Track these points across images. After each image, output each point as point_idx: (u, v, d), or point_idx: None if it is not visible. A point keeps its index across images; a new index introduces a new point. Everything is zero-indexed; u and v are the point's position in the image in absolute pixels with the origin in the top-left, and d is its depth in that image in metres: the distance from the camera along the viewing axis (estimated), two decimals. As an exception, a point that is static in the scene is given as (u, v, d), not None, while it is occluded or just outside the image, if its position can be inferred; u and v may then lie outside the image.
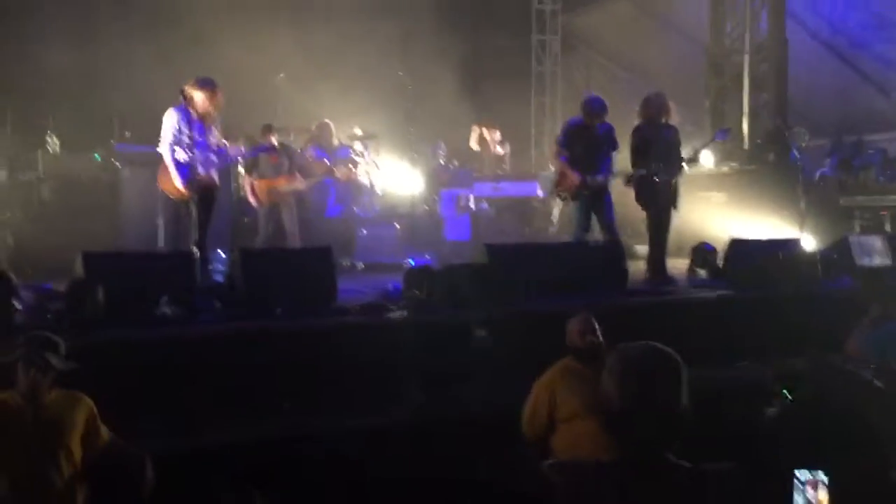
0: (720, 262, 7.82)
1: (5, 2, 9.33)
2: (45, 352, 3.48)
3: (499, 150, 12.19)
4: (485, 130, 12.12)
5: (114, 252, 6.47)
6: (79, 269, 5.29)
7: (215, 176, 7.00)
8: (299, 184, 8.80)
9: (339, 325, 5.49)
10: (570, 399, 4.10)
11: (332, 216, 9.94)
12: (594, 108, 7.65)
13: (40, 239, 7.64)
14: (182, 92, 6.66)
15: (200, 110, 6.74)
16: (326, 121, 10.12)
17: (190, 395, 4.57)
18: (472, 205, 10.90)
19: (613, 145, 7.79)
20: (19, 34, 9.41)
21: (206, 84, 6.76)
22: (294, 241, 8.53)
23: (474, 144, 12.11)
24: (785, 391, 4.78)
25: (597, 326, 4.32)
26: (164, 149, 6.69)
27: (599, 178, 7.53)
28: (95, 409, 3.66)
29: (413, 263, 8.90)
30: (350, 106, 10.72)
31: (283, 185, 8.68)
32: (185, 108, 6.70)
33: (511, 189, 11.43)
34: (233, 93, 7.15)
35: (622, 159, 7.92)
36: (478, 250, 7.08)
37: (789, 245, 7.78)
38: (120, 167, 8.98)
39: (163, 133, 6.72)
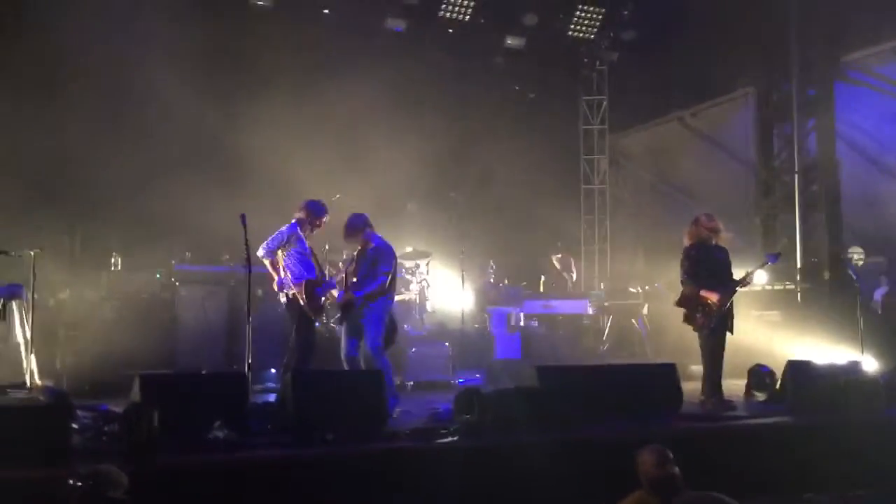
0: (778, 384, 7.63)
1: (78, 128, 9.85)
2: (108, 489, 3.49)
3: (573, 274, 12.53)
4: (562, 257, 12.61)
5: (169, 374, 6.58)
6: (136, 391, 5.37)
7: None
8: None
9: (390, 450, 5.44)
10: None
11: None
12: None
13: (101, 357, 7.79)
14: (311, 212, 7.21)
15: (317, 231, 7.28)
16: None
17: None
18: (522, 323, 10.89)
19: None
20: (89, 159, 9.88)
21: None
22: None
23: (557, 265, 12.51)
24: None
25: (671, 457, 4.18)
26: (268, 254, 7.12)
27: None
28: None
29: (463, 382, 8.88)
30: (402, 224, 10.96)
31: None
32: (297, 226, 7.19)
33: (561, 307, 11.43)
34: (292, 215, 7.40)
35: (675, 279, 7.89)
36: (528, 370, 7.02)
37: (851, 369, 7.57)
38: (178, 285, 9.26)
39: (271, 239, 7.15)
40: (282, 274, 7.19)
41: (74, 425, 5.21)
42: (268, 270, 7.34)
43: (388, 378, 6.97)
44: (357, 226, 7.36)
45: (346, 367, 7.18)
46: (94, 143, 9.92)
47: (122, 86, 10.63)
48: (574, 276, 12.73)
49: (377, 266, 7.22)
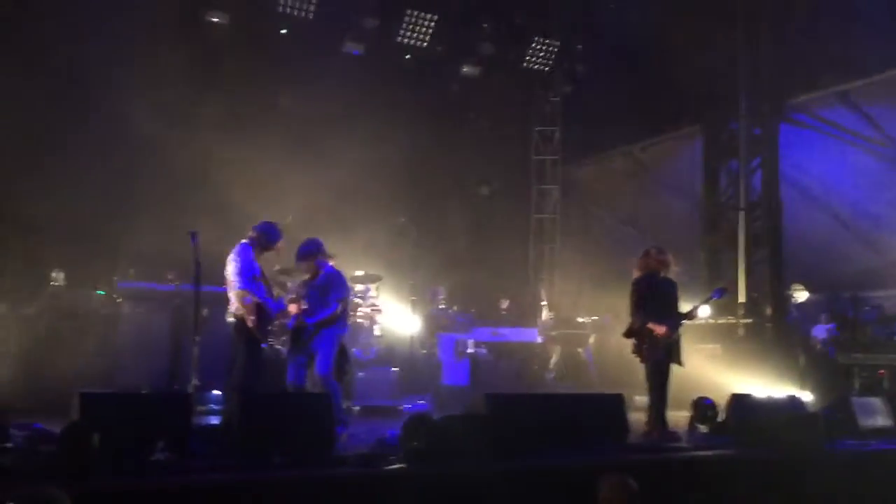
0: (720, 416, 7.74)
1: (15, 141, 9.61)
2: None
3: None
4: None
5: (111, 393, 6.39)
6: (75, 410, 5.20)
7: None
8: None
9: (337, 476, 5.36)
10: None
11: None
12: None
13: (37, 374, 7.56)
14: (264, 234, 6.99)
15: (266, 253, 7.07)
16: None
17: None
18: (470, 349, 10.88)
19: None
20: (31, 171, 9.65)
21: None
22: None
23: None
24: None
25: (633, 483, 4.19)
26: (247, 285, 6.84)
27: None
28: None
29: (410, 408, 8.82)
30: (352, 247, 10.89)
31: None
32: (251, 247, 6.97)
33: (510, 334, 11.46)
34: (240, 234, 7.29)
35: (622, 310, 7.97)
36: (477, 397, 7.01)
37: (792, 403, 7.73)
38: (120, 302, 9.05)
39: (242, 268, 6.88)
40: (273, 298, 7.10)
41: (7, 444, 5.02)
42: (221, 289, 7.22)
43: (337, 403, 6.91)
44: (310, 252, 7.30)
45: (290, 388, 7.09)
46: (36, 156, 9.71)
47: (68, 95, 10.40)
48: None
49: (328, 293, 7.17)
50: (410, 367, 10.28)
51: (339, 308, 7.22)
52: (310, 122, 11.22)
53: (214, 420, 7.22)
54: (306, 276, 7.42)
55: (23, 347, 8.26)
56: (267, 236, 7.16)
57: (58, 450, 4.87)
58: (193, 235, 6.84)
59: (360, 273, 10.71)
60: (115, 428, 5.06)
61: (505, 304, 12.62)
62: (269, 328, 7.31)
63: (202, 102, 10.54)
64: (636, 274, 7.74)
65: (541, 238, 15.12)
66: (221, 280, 7.47)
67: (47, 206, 9.76)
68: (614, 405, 7.17)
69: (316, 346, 7.10)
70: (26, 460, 4.98)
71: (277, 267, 9.00)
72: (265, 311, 7.03)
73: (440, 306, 11.51)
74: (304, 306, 7.17)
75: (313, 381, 7.08)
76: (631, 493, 4.14)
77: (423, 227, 12.24)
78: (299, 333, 7.18)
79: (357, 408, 8.94)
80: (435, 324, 11.17)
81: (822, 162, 11.87)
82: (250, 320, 6.89)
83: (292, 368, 7.18)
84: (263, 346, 7.41)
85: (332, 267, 7.42)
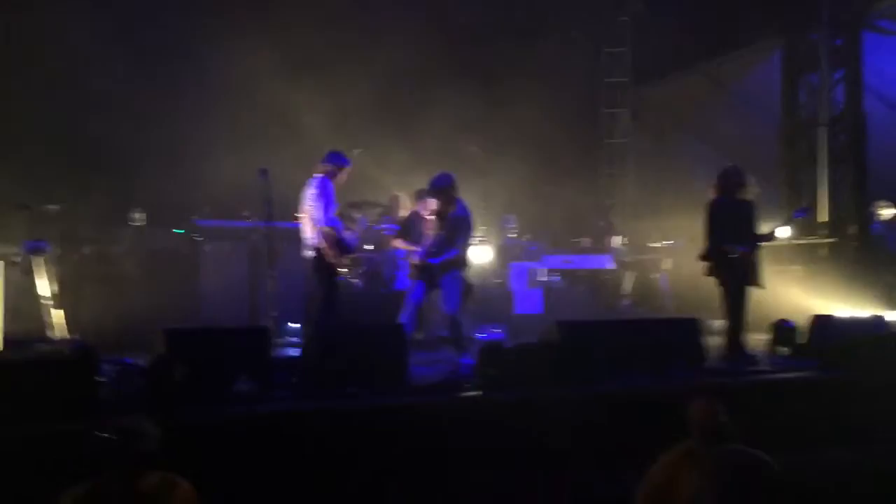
0: (802, 339, 7.58)
1: (86, 83, 9.80)
2: (139, 442, 3.43)
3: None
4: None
5: (193, 328, 6.61)
6: (160, 345, 5.40)
7: None
8: None
9: (412, 404, 5.46)
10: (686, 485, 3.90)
11: (402, 289, 10.00)
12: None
13: (125, 312, 7.85)
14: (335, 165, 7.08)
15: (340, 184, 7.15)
16: (397, 193, 10.23)
17: (265, 474, 4.59)
18: (543, 278, 10.85)
19: None
20: (104, 114, 9.85)
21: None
22: None
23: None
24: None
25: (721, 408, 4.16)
26: (331, 221, 7.00)
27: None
28: (195, 494, 3.52)
29: (484, 338, 8.88)
30: (424, 179, 10.87)
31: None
32: (329, 181, 7.08)
33: (582, 262, 11.36)
34: (311, 169, 7.35)
35: (697, 234, 7.80)
36: (549, 325, 7.01)
37: (877, 323, 7.50)
38: (200, 241, 9.28)
39: (325, 203, 6.99)
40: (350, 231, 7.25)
41: (100, 378, 5.26)
42: (294, 224, 7.35)
43: (463, 337, 7.20)
44: (447, 186, 7.26)
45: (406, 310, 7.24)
46: (113, 99, 9.90)
47: (140, 38, 10.52)
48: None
49: (457, 235, 7.18)
50: (483, 297, 10.31)
51: (464, 252, 7.29)
52: (375, 53, 11.10)
53: (293, 352, 7.41)
54: (432, 211, 7.30)
55: (111, 287, 8.56)
56: (338, 165, 7.20)
57: (145, 383, 5.09)
58: (264, 172, 6.92)
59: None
60: (199, 362, 5.26)
61: (585, 242, 12.47)
62: (347, 262, 7.41)
63: (269, 37, 10.53)
64: (712, 195, 7.53)
65: (612, 163, 14.83)
66: (293, 216, 7.60)
67: (123, 148, 10.01)
68: (689, 329, 7.09)
69: (442, 282, 7.20)
70: (117, 394, 5.22)
71: (347, 202, 9.07)
72: (344, 245, 7.12)
73: (511, 235, 11.46)
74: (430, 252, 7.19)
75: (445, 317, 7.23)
76: (718, 416, 4.05)
77: (491, 156, 12.13)
78: (424, 269, 7.26)
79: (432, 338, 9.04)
80: (506, 253, 11.14)
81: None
82: (331, 254, 6.99)
83: (418, 291, 7.29)
84: (340, 279, 7.54)
85: (464, 207, 7.40)
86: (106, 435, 3.44)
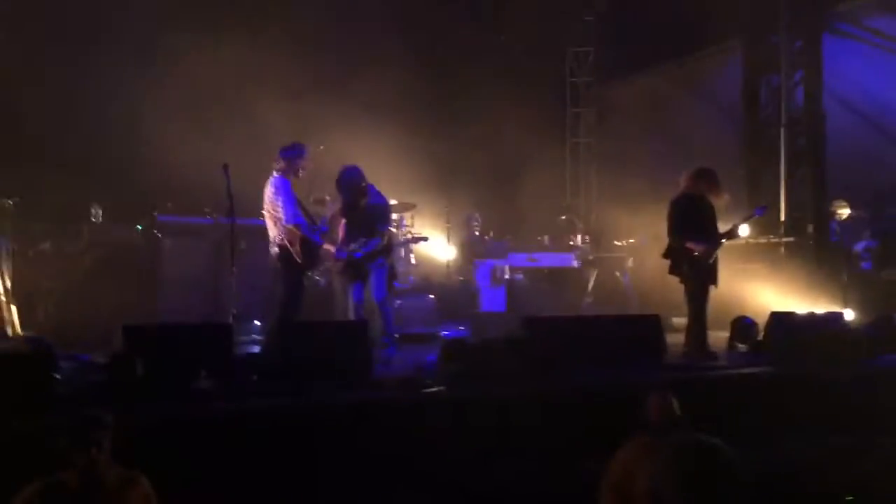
0: (760, 336, 7.69)
1: (51, 79, 9.63)
2: (99, 431, 3.42)
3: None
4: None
5: (153, 325, 6.52)
6: (119, 343, 5.32)
7: None
8: None
9: (376, 400, 5.44)
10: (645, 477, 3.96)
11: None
12: None
13: (82, 309, 7.72)
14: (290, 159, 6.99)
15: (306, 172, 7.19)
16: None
17: (226, 471, 4.54)
18: (507, 276, 10.89)
19: None
20: (67, 106, 9.69)
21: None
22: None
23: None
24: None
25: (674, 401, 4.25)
26: (294, 219, 6.94)
27: None
28: (151, 490, 3.53)
29: (448, 335, 8.89)
30: (387, 177, 10.84)
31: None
32: (286, 178, 7.05)
33: (546, 260, 11.42)
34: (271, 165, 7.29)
35: (660, 232, 7.87)
36: (513, 322, 7.04)
37: (833, 320, 7.63)
38: (161, 237, 9.16)
39: (286, 202, 6.93)
40: (314, 228, 7.19)
41: (57, 375, 5.17)
42: (257, 221, 7.31)
43: (389, 327, 7.16)
44: (355, 179, 7.26)
45: (352, 314, 7.27)
46: (71, 93, 9.73)
47: (100, 28, 10.34)
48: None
49: (375, 224, 7.19)
50: (447, 294, 10.32)
51: (386, 238, 7.32)
52: (339, 50, 11.06)
53: (255, 349, 7.36)
54: (341, 207, 7.42)
55: (69, 283, 8.42)
56: (294, 158, 7.15)
57: (104, 380, 5.01)
58: (226, 168, 6.85)
59: (394, 202, 10.68)
60: (159, 359, 5.19)
61: (546, 240, 12.52)
62: (315, 253, 7.36)
63: (233, 33, 10.42)
64: (680, 191, 7.55)
65: (577, 162, 14.92)
66: (257, 212, 7.54)
67: (81, 143, 9.83)
68: (651, 326, 7.16)
69: (368, 271, 7.23)
70: (75, 390, 5.14)
71: (312, 198, 9.02)
72: (309, 242, 7.09)
73: (475, 233, 11.48)
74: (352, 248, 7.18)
75: (369, 306, 7.25)
76: (672, 412, 4.14)
77: (455, 155, 12.14)
78: (351, 265, 7.27)
79: (396, 336, 9.01)
80: (471, 251, 11.16)
81: (866, 73, 11.42)
82: (296, 252, 6.96)
83: (357, 290, 7.30)
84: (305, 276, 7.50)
85: (378, 194, 7.41)
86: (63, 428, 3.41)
